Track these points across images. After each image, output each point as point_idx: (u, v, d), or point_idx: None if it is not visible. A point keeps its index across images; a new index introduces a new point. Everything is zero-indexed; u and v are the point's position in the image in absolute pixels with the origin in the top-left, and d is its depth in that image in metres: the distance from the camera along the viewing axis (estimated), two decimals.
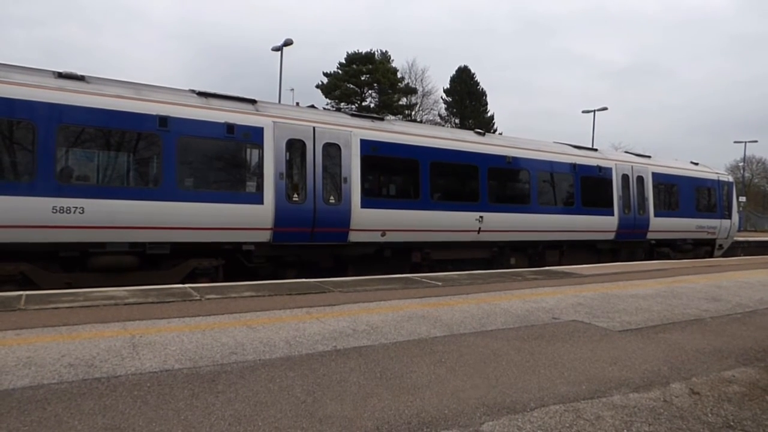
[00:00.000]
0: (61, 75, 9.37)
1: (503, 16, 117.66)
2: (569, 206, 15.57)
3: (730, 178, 21.68)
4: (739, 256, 22.94)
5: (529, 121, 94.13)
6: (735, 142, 65.05)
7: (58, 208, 8.71)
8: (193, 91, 10.77)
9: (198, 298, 7.15)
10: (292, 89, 43.77)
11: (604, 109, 45.15)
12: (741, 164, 68.34)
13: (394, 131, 12.64)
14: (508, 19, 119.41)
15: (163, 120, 9.64)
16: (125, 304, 6.52)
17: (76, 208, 8.85)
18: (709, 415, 3.79)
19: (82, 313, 5.98)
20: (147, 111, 9.54)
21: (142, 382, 3.91)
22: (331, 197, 11.41)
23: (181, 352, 4.66)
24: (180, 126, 9.80)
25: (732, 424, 3.66)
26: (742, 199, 44.21)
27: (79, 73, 9.62)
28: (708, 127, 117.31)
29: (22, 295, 6.90)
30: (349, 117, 12.74)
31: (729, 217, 20.49)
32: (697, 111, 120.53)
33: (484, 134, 15.07)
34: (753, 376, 4.70)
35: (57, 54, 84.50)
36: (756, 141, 61.07)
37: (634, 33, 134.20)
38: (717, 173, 20.79)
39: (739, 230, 24.58)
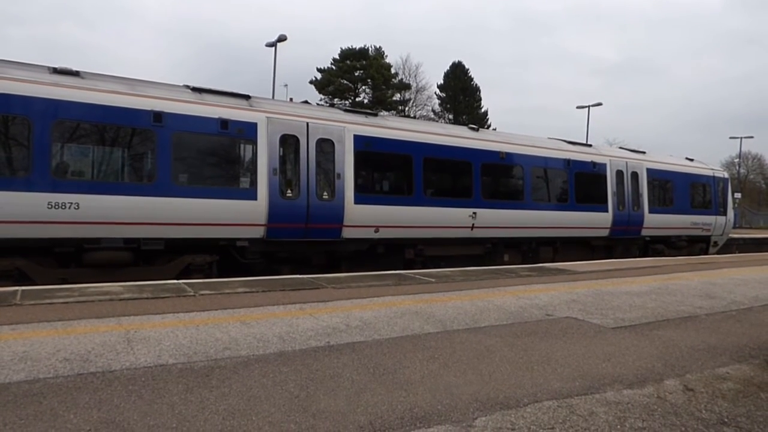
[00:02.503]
0: (56, 70, 9.34)
1: (497, 14, 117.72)
2: (563, 202, 15.59)
3: (726, 174, 21.63)
4: (734, 253, 23.01)
5: (523, 117, 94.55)
6: (731, 137, 64.76)
7: (53, 204, 8.70)
8: (187, 87, 10.74)
9: (192, 293, 7.16)
10: (286, 85, 43.67)
11: (599, 104, 45.36)
12: (736, 160, 68.20)
13: (387, 127, 12.64)
14: (501, 16, 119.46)
15: (158, 115, 9.62)
16: (120, 300, 6.53)
17: (71, 203, 8.84)
18: (703, 411, 3.79)
19: (77, 308, 6.00)
20: (141, 106, 9.53)
21: (137, 376, 3.93)
22: (325, 193, 11.40)
23: (176, 347, 4.68)
24: (174, 121, 9.78)
25: (726, 420, 3.66)
26: (738, 195, 44.22)
27: (74, 68, 9.60)
28: (701, 123, 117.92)
29: (17, 290, 6.91)
30: (343, 113, 12.74)
31: (724, 213, 20.45)
32: (690, 107, 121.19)
33: (477, 130, 15.07)
34: (747, 373, 4.71)
35: (53, 52, 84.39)
36: (752, 137, 60.70)
37: (625, 30, 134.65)
38: (712, 169, 20.76)
39: (734, 227, 24.61)
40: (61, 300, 6.34)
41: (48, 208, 8.66)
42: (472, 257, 13.81)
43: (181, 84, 10.91)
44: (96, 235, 9.21)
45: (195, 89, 10.68)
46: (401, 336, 5.41)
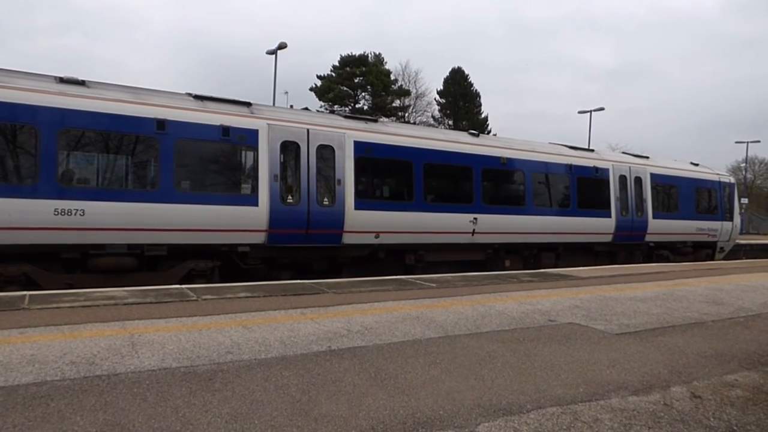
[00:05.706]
0: (62, 80, 9.45)
1: (494, 20, 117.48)
2: (565, 208, 15.53)
3: (732, 179, 21.44)
4: (741, 259, 22.79)
5: (523, 122, 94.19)
6: (737, 142, 63.48)
7: (59, 210, 8.80)
8: (189, 95, 10.83)
9: (195, 298, 7.20)
10: (287, 92, 43.54)
11: (601, 109, 45.09)
12: (743, 165, 67.22)
13: (387, 133, 12.66)
14: (499, 22, 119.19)
15: (161, 123, 9.71)
16: (125, 304, 6.57)
17: (77, 210, 8.93)
18: (711, 419, 3.74)
19: (83, 312, 6.05)
20: (145, 114, 9.62)
21: (142, 379, 3.96)
22: (325, 199, 11.44)
23: (179, 351, 4.71)
24: (177, 129, 9.86)
25: (735, 429, 3.60)
26: (744, 200, 43.83)
27: (80, 78, 9.69)
28: (703, 128, 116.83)
29: (25, 295, 7.00)
30: (343, 119, 12.78)
31: (730, 219, 20.28)
32: (691, 111, 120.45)
33: (478, 135, 15.09)
34: (757, 381, 4.63)
35: (61, 62, 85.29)
36: (758, 141, 59.38)
37: (622, 35, 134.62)
38: (718, 174, 20.58)
39: (741, 233, 24.42)
40: (67, 305, 6.40)
41: (54, 214, 8.76)
42: (473, 263, 13.78)
43: (184, 92, 11.00)
44: (101, 241, 9.29)
45: (197, 97, 10.77)
46: (402, 341, 5.41)
